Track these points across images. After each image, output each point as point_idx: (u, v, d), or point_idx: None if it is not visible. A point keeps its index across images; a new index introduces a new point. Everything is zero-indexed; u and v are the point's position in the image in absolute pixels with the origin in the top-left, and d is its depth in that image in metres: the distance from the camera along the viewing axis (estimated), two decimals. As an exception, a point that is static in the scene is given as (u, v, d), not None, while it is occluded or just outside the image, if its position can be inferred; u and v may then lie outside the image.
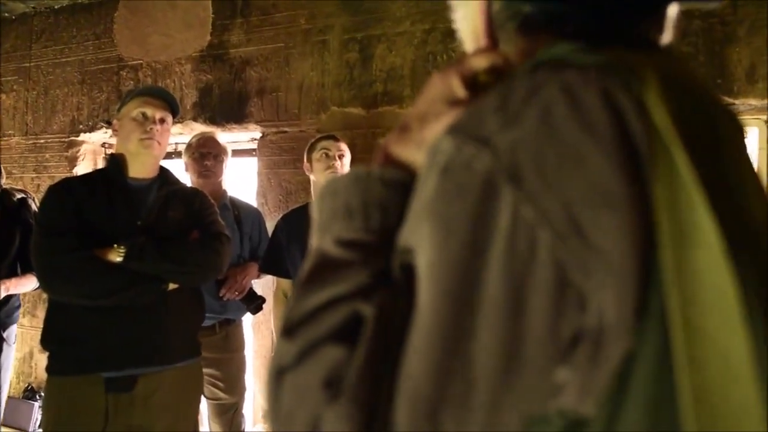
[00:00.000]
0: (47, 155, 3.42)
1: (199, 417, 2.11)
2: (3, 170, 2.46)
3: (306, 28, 2.76)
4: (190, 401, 1.80)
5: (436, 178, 0.38)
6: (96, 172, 1.91)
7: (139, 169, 1.72)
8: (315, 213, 0.48)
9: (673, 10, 0.48)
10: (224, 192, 2.39)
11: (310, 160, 2.19)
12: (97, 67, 3.30)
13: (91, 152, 3.41)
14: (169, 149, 1.90)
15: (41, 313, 3.18)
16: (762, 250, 0.39)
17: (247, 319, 2.59)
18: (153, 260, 1.60)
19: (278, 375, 0.41)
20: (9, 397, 3.02)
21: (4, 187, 2.40)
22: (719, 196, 0.36)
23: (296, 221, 2.19)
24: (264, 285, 2.58)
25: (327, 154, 2.13)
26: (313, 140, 2.25)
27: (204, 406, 2.21)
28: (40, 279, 1.63)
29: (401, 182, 0.44)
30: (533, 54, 0.42)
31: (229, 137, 2.87)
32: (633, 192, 0.34)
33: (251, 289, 2.28)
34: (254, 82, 2.87)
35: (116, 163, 1.72)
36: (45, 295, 2.27)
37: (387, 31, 2.60)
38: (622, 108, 0.35)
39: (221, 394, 2.31)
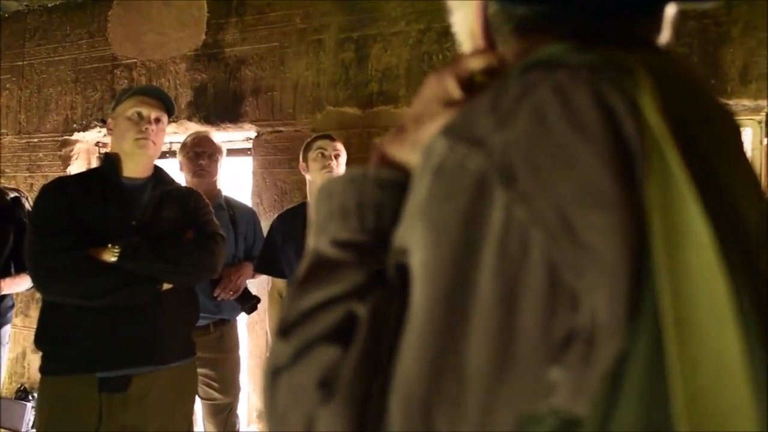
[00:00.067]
0: (40, 154, 3.40)
1: (194, 417, 2.10)
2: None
3: (301, 28, 2.76)
4: (184, 401, 1.80)
5: (430, 178, 0.38)
6: (90, 172, 1.90)
7: (134, 169, 1.71)
8: (312, 214, 0.49)
9: (671, 11, 0.48)
10: (219, 191, 2.39)
11: (306, 160, 2.19)
12: (91, 66, 3.28)
13: (84, 151, 3.39)
14: (163, 148, 1.89)
15: (34, 313, 3.16)
16: (753, 249, 0.39)
17: (242, 319, 2.59)
18: (147, 260, 1.59)
19: (274, 375, 0.41)
20: (1, 397, 3.01)
21: (-4, 186, 2.39)
22: (713, 196, 0.36)
23: (291, 221, 2.19)
24: (259, 285, 2.58)
25: (323, 154, 2.13)
26: (309, 140, 2.25)
27: (198, 406, 2.20)
28: (33, 279, 1.62)
29: (397, 183, 0.45)
30: (528, 55, 0.43)
31: (223, 136, 2.86)
32: (625, 191, 0.34)
33: (246, 289, 2.28)
34: (249, 82, 2.87)
35: (111, 162, 1.71)
36: (38, 295, 2.27)
37: (382, 31, 2.60)
38: (614, 107, 0.36)
39: (215, 395, 2.30)
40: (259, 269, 2.29)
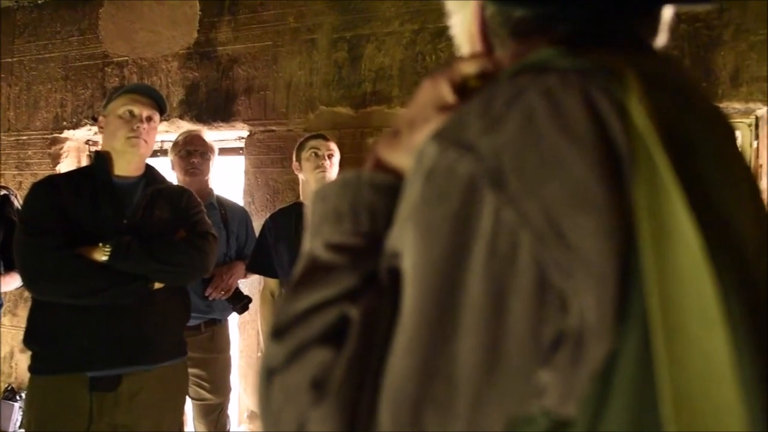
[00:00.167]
0: (29, 152, 3.37)
1: (184, 417, 2.09)
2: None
3: (294, 27, 2.75)
4: (175, 401, 1.79)
5: (421, 182, 0.38)
6: (81, 170, 1.89)
7: (125, 168, 1.70)
8: (308, 217, 0.49)
9: (667, 13, 0.48)
10: (211, 191, 2.38)
11: (299, 159, 2.18)
12: (82, 64, 3.26)
13: (74, 149, 3.37)
14: (155, 147, 1.88)
15: (22, 312, 3.13)
16: (745, 251, 0.40)
17: (233, 319, 2.58)
18: (139, 259, 1.58)
19: (268, 376, 0.42)
20: (-11, 397, 2.98)
21: (-15, 184, 2.37)
22: (701, 198, 0.36)
23: (284, 221, 2.19)
24: (250, 285, 2.57)
25: (316, 154, 2.12)
26: (302, 139, 2.24)
27: (189, 406, 2.19)
28: (23, 278, 1.61)
29: (390, 186, 0.45)
30: (522, 59, 0.43)
31: (215, 135, 2.85)
32: (612, 194, 0.34)
33: (237, 288, 2.27)
34: (242, 81, 2.86)
35: (102, 160, 1.70)
36: (26, 294, 2.25)
37: (376, 31, 2.60)
38: (602, 111, 0.36)
39: (206, 395, 2.29)
40: (251, 269, 2.29)
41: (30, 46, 3.40)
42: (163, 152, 2.93)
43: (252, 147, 2.85)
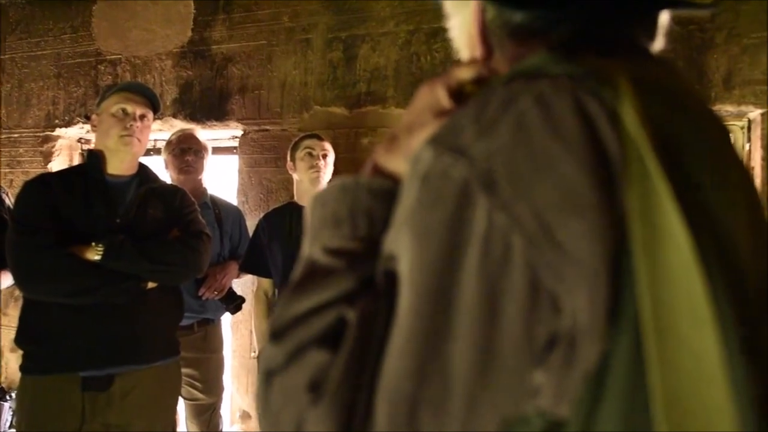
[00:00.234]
0: (21, 150, 3.34)
1: (177, 417, 2.09)
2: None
3: (289, 26, 2.75)
4: (167, 401, 1.78)
5: (417, 186, 0.39)
6: (74, 168, 1.88)
7: (118, 166, 1.70)
8: (306, 222, 0.50)
9: (664, 18, 0.49)
10: (205, 190, 2.38)
11: (293, 159, 2.18)
12: (74, 61, 3.24)
13: (67, 147, 3.34)
14: (148, 146, 1.87)
15: (12, 311, 3.11)
16: (733, 253, 0.40)
17: (226, 319, 2.57)
18: (132, 259, 1.57)
19: (268, 377, 0.42)
20: (-21, 397, 2.95)
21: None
22: (693, 201, 0.37)
23: (278, 221, 2.18)
24: (244, 284, 2.56)
25: (311, 153, 2.12)
26: (296, 139, 2.24)
27: (181, 406, 2.18)
28: (15, 277, 1.60)
29: (388, 191, 0.46)
30: (518, 63, 0.43)
31: (209, 134, 2.84)
32: (603, 197, 0.35)
33: (231, 288, 2.27)
34: (236, 80, 2.85)
35: (95, 159, 1.69)
36: (17, 293, 2.23)
37: (371, 31, 2.60)
38: (593, 116, 0.37)
39: (199, 395, 2.29)
40: (245, 269, 2.28)
41: (22, 43, 3.38)
42: (156, 151, 2.91)
43: (246, 146, 2.84)
